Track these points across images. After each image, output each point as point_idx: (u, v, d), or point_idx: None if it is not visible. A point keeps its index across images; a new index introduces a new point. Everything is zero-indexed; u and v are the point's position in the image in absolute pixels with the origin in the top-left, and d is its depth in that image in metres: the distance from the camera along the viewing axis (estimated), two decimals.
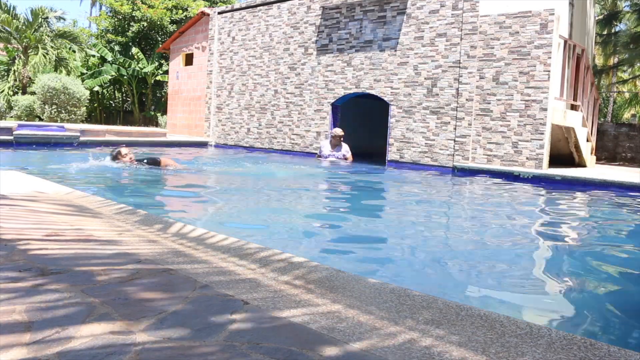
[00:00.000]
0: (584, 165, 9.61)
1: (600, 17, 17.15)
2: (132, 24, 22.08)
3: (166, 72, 21.33)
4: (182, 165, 7.94)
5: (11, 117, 17.59)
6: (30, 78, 18.84)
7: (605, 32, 17.01)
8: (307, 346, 1.34)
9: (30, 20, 19.21)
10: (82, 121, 17.76)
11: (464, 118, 8.95)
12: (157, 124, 21.21)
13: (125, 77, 22.20)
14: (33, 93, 16.84)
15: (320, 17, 11.24)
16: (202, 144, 13.79)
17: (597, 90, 12.24)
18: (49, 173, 6.24)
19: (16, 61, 20.08)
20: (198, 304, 1.61)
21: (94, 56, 23.42)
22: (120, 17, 22.31)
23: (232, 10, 13.60)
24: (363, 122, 13.73)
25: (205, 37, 15.14)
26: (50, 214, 2.96)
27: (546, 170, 8.11)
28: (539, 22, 8.12)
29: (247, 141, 13.13)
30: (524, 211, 5.68)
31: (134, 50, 21.96)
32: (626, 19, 17.49)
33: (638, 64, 18.32)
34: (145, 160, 7.20)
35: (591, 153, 10.39)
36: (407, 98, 9.73)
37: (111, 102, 27.45)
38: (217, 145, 13.93)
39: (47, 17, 21.65)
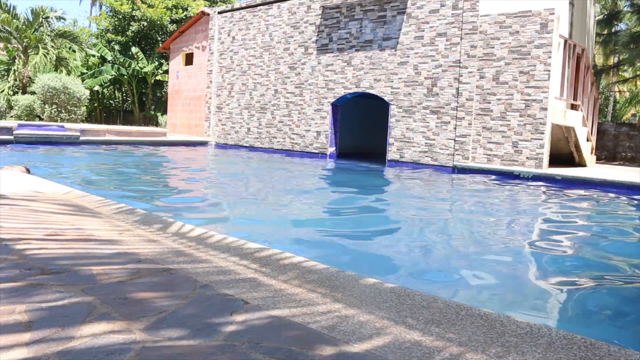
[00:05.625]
0: (584, 165, 9.61)
1: (601, 16, 17.13)
2: (132, 23, 22.07)
3: (166, 72, 21.33)
4: None
5: (11, 116, 17.58)
6: (30, 78, 18.83)
7: (605, 32, 16.99)
8: (308, 346, 1.34)
9: (31, 20, 19.20)
10: (82, 121, 17.76)
11: (464, 118, 8.95)
12: (157, 124, 21.21)
13: (125, 76, 22.20)
14: (33, 93, 16.83)
15: (320, 16, 11.23)
16: (202, 144, 13.79)
17: (597, 89, 12.24)
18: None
19: (16, 61, 20.07)
20: (198, 304, 1.60)
21: (94, 56, 23.42)
22: (120, 17, 22.29)
23: (232, 9, 13.60)
24: (363, 122, 13.73)
25: (205, 36, 15.14)
26: (50, 213, 2.96)
27: (546, 169, 8.11)
28: (539, 22, 8.12)
29: (247, 141, 13.13)
30: (524, 211, 5.67)
31: (134, 49, 21.95)
32: (626, 18, 17.47)
33: (638, 64, 18.30)
34: None
35: (591, 152, 10.38)
36: (407, 98, 9.73)
37: (111, 101, 27.44)
38: (217, 145, 13.93)
39: (47, 17, 21.64)
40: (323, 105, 11.26)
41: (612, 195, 6.78)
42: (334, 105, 11.16)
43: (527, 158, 8.31)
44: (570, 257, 3.71)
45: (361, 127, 13.61)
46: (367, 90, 10.40)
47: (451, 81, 9.10)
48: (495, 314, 1.63)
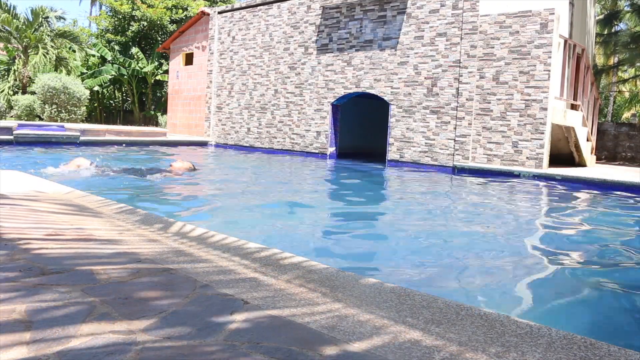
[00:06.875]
0: (584, 165, 9.61)
1: (601, 16, 17.13)
2: (132, 23, 22.08)
3: (166, 72, 21.33)
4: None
5: (11, 116, 17.58)
6: (30, 78, 18.83)
7: (605, 32, 17.00)
8: (308, 346, 1.34)
9: (31, 19, 19.20)
10: (82, 121, 17.76)
11: (464, 118, 8.95)
12: (157, 124, 21.21)
13: (125, 76, 22.20)
14: (33, 93, 16.83)
15: (320, 16, 11.23)
16: (202, 144, 13.79)
17: (597, 89, 12.24)
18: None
19: (16, 61, 20.07)
20: (198, 304, 1.60)
21: (94, 56, 23.42)
22: (120, 17, 22.30)
23: (232, 9, 13.60)
24: (363, 122, 13.74)
25: (205, 36, 15.14)
26: (51, 213, 2.96)
27: (546, 169, 8.11)
28: (539, 22, 8.12)
29: (247, 141, 13.13)
30: (524, 211, 5.67)
31: (134, 49, 21.96)
32: (626, 18, 17.48)
33: (638, 64, 18.30)
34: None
35: (591, 152, 10.38)
36: (407, 98, 9.73)
37: (111, 101, 27.45)
38: (217, 145, 13.93)
39: (47, 17, 21.65)
40: (323, 105, 11.26)
41: (612, 195, 6.78)
42: (334, 105, 11.16)
43: (527, 158, 8.31)
44: (569, 257, 3.70)
45: (361, 127, 13.61)
46: (367, 90, 10.40)
47: (451, 81, 9.10)
48: (495, 314, 1.63)
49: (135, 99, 23.63)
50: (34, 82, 17.35)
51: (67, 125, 11.18)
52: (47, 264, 1.94)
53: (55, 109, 16.28)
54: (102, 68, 21.97)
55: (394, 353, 1.32)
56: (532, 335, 1.47)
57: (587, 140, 10.01)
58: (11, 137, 9.88)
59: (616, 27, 17.56)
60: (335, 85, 11.00)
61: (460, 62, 8.97)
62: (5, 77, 20.55)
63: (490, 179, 8.21)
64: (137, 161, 8.54)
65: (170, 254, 2.22)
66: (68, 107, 16.55)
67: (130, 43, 22.55)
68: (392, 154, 10.05)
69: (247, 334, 1.39)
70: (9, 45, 20.24)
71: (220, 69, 13.95)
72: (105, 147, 11.05)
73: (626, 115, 23.34)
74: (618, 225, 5.06)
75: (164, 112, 20.55)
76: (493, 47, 8.62)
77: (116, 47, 22.66)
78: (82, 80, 21.23)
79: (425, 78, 9.47)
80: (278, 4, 12.21)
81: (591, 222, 5.21)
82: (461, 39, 8.95)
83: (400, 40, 9.82)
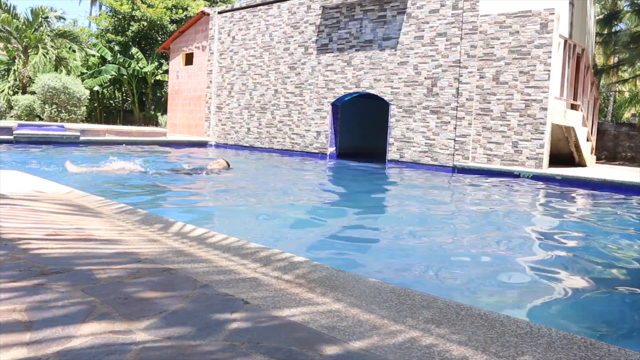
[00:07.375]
0: (584, 165, 9.61)
1: (601, 16, 17.14)
2: (132, 23, 22.08)
3: (166, 72, 21.33)
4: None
5: (11, 116, 17.59)
6: (30, 78, 18.82)
7: (605, 32, 17.01)
8: (308, 345, 1.34)
9: (30, 19, 19.21)
10: (82, 121, 17.76)
11: (464, 118, 8.95)
12: (157, 124, 21.21)
13: (125, 76, 22.20)
14: (33, 93, 16.83)
15: (320, 16, 11.23)
16: (202, 144, 13.79)
17: (597, 89, 12.24)
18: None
19: (16, 61, 20.08)
20: (198, 304, 1.60)
21: (94, 56, 23.43)
22: (120, 17, 22.31)
23: (232, 9, 13.60)
24: (363, 122, 13.73)
25: (205, 36, 15.14)
26: (51, 213, 2.96)
27: (546, 169, 8.11)
28: (539, 22, 8.12)
29: (247, 141, 13.13)
30: (524, 211, 5.67)
31: (134, 49, 21.96)
32: (626, 18, 17.48)
33: (638, 64, 18.31)
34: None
35: (591, 152, 10.38)
36: (407, 98, 9.73)
37: (111, 101, 27.45)
38: (217, 145, 13.93)
39: (47, 17, 21.66)
40: (323, 105, 11.26)
41: (611, 195, 6.77)
42: (334, 105, 11.16)
43: (527, 158, 8.31)
44: (569, 257, 3.70)
45: (361, 127, 13.61)
46: (367, 90, 10.40)
47: (451, 81, 9.10)
48: (495, 314, 1.63)
49: (135, 99, 23.63)
50: (34, 82, 17.35)
51: (67, 125, 11.18)
52: (47, 264, 1.94)
53: (55, 109, 16.28)
54: (102, 68, 21.97)
55: (394, 353, 1.32)
56: (532, 335, 1.47)
57: (587, 140, 10.01)
58: (11, 137, 9.89)
59: (616, 27, 17.57)
60: (335, 85, 11.00)
61: (460, 62, 8.97)
62: (5, 77, 20.56)
63: (490, 179, 8.21)
64: (168, 162, 8.85)
65: (170, 254, 2.22)
66: (68, 107, 16.55)
67: (130, 43, 22.55)
68: (392, 154, 10.05)
69: (247, 334, 1.39)
70: (9, 45, 20.25)
71: (220, 69, 13.95)
72: (105, 146, 11.05)
73: (626, 115, 23.34)
74: (618, 225, 5.06)
75: (164, 112, 20.55)
76: (493, 47, 8.62)
77: (116, 47, 22.66)
78: (82, 80, 21.24)
79: (425, 78, 9.47)
80: (278, 4, 12.21)
81: (591, 222, 5.21)
82: (461, 39, 8.95)
83: (400, 40, 9.82)
